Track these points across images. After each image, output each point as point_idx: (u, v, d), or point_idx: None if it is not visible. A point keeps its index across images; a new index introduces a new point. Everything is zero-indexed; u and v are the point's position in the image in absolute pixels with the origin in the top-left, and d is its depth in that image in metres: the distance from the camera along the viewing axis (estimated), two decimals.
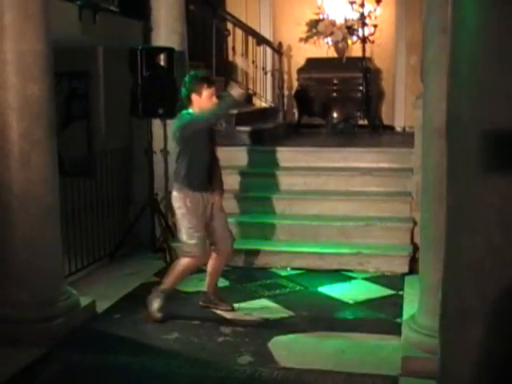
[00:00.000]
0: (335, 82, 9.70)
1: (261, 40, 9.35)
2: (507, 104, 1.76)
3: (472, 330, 1.86)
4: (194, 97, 4.56)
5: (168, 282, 4.69)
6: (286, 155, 7.06)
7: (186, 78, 4.65)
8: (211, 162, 4.70)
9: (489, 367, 1.85)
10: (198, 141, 4.54)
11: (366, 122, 9.30)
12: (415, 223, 5.83)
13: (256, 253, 5.96)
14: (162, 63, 6.15)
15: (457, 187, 1.91)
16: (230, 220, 5.23)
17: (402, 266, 5.71)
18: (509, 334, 1.81)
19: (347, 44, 9.88)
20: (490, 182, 1.79)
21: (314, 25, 10.00)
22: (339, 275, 5.68)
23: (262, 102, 9.61)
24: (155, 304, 4.65)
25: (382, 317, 4.78)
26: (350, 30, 9.63)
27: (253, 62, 9.04)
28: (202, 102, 4.54)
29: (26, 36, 4.18)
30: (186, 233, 4.56)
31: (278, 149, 7.21)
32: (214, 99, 4.55)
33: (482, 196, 1.81)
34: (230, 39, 8.77)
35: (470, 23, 1.82)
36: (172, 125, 5.01)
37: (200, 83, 4.56)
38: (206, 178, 4.63)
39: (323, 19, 9.95)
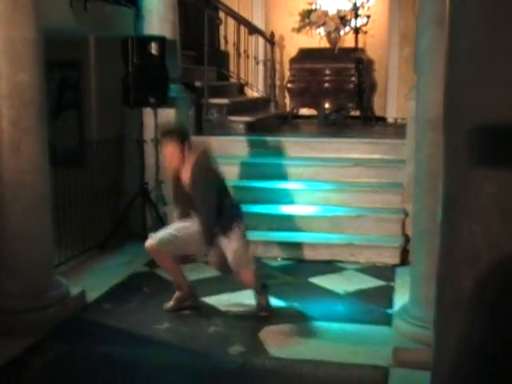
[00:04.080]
0: (327, 72, 9.68)
1: (253, 29, 9.31)
2: (507, 92, 1.75)
3: (467, 321, 1.86)
4: None
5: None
6: (278, 145, 7.05)
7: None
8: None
9: (484, 358, 1.84)
10: None
11: (358, 113, 9.30)
12: (407, 214, 5.84)
13: None
14: (154, 52, 6.11)
15: (454, 176, 1.90)
16: None
17: (393, 258, 5.72)
18: (505, 325, 1.81)
19: (340, 35, 9.87)
20: (489, 171, 1.78)
21: (306, 15, 9.99)
22: (330, 266, 5.68)
23: (254, 91, 9.59)
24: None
25: (373, 307, 4.78)
26: (342, 20, 9.62)
27: (244, 51, 9.02)
28: None
29: (15, 23, 4.14)
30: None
31: (270, 139, 7.20)
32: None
33: (480, 185, 1.80)
34: (222, 28, 8.72)
35: (469, 11, 1.81)
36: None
37: None
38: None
39: (316, 9, 9.94)
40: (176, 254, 4.55)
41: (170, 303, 4.67)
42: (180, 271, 4.68)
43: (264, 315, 4.53)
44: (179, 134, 4.39)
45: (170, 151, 4.35)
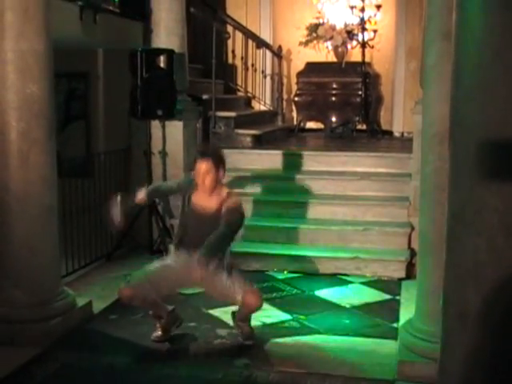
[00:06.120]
0: (334, 86, 9.73)
1: (261, 43, 9.37)
2: None
3: (474, 334, 1.86)
4: None
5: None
6: (284, 159, 7.06)
7: None
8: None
9: (491, 372, 1.85)
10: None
11: (364, 127, 9.32)
12: (413, 228, 5.84)
13: (253, 256, 5.96)
14: (162, 65, 6.15)
15: (460, 191, 1.91)
16: None
17: (399, 271, 5.71)
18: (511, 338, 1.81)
19: (347, 49, 9.92)
20: (494, 186, 1.80)
21: (313, 29, 10.05)
22: (336, 279, 5.68)
23: (261, 105, 9.62)
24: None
25: (378, 321, 4.78)
26: (349, 34, 9.67)
27: (252, 65, 9.07)
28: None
29: (26, 35, 4.18)
30: None
31: (277, 152, 7.22)
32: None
33: (485, 200, 1.82)
34: (229, 42, 8.78)
35: (475, 27, 1.82)
36: None
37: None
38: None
39: (323, 23, 10.00)
40: (154, 294, 4.28)
41: (158, 333, 4.39)
42: (158, 304, 4.38)
43: (250, 343, 4.33)
44: (217, 158, 4.24)
45: (205, 169, 4.17)
